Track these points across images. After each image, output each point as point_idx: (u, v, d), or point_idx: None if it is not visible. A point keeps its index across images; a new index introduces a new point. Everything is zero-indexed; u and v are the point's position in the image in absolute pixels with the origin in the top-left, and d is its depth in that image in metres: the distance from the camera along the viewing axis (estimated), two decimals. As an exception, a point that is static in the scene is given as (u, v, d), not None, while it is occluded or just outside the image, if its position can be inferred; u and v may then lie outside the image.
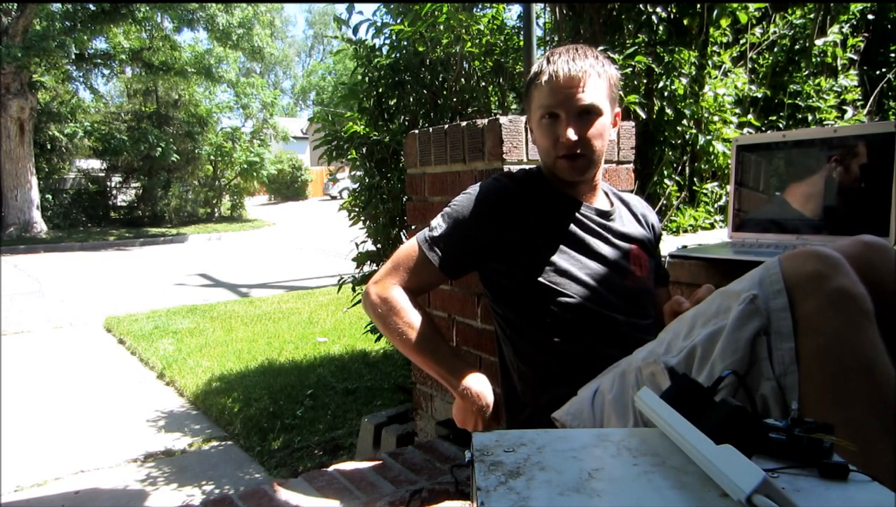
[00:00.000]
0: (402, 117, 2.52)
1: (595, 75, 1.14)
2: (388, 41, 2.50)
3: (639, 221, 1.33)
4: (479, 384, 1.17)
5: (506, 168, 1.55)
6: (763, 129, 2.55)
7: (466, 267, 1.25)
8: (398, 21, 2.42)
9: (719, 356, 0.83)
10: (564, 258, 1.18)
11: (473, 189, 1.23)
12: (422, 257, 1.21)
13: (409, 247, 1.23)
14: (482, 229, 1.19)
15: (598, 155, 1.19)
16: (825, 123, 2.59)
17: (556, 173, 1.21)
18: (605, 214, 1.26)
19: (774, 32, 2.67)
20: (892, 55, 3.05)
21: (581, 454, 0.63)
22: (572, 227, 1.21)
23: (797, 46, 2.71)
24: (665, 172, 2.31)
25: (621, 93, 2.11)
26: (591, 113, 1.15)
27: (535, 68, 1.20)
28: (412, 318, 1.18)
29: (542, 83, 1.15)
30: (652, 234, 1.35)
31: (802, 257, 0.82)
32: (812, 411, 0.74)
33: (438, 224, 1.22)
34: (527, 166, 1.55)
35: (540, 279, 1.18)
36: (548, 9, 2.59)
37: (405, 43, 2.41)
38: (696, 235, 2.15)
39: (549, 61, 1.16)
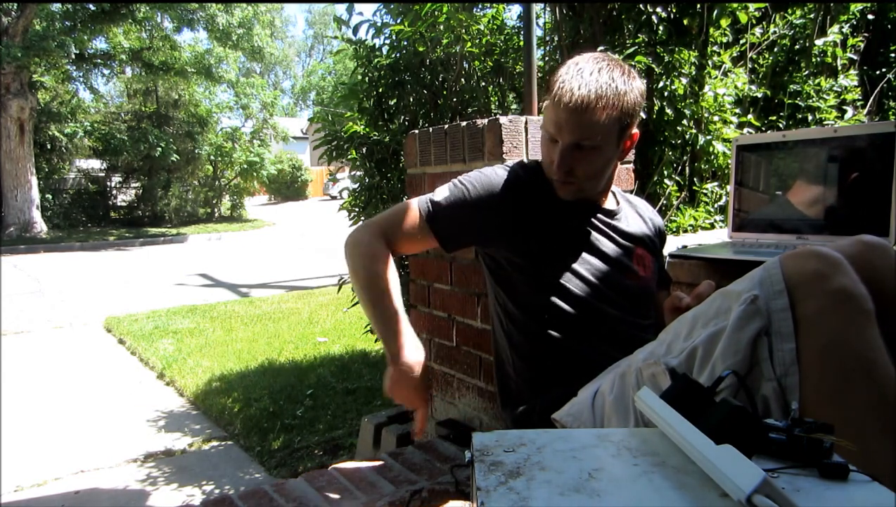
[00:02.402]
0: (402, 117, 2.52)
1: (601, 108, 1.06)
2: (388, 41, 2.50)
3: (644, 222, 1.34)
4: (413, 355, 1.14)
5: (506, 168, 1.54)
6: (763, 129, 2.55)
7: (461, 241, 1.23)
8: (398, 21, 2.42)
9: (720, 357, 0.83)
10: (568, 253, 1.18)
11: (487, 170, 1.22)
12: (420, 220, 1.19)
13: (407, 207, 1.21)
14: (486, 210, 1.18)
15: (592, 183, 1.18)
16: (825, 123, 2.59)
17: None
18: (611, 214, 1.26)
19: (774, 32, 2.67)
20: (892, 55, 3.05)
21: (581, 454, 0.63)
22: (578, 223, 1.21)
23: (797, 46, 2.72)
24: (665, 172, 2.32)
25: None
26: (588, 148, 1.11)
27: (558, 73, 1.13)
28: (381, 269, 1.15)
29: (551, 102, 1.10)
30: (657, 236, 1.35)
31: (803, 257, 0.82)
32: (813, 411, 0.74)
33: (443, 193, 1.20)
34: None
35: (542, 273, 1.18)
36: (548, 9, 2.59)
37: (405, 43, 2.41)
38: (696, 235, 2.15)
39: (562, 79, 1.09)
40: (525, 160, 1.29)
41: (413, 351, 1.14)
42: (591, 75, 1.07)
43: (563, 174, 1.13)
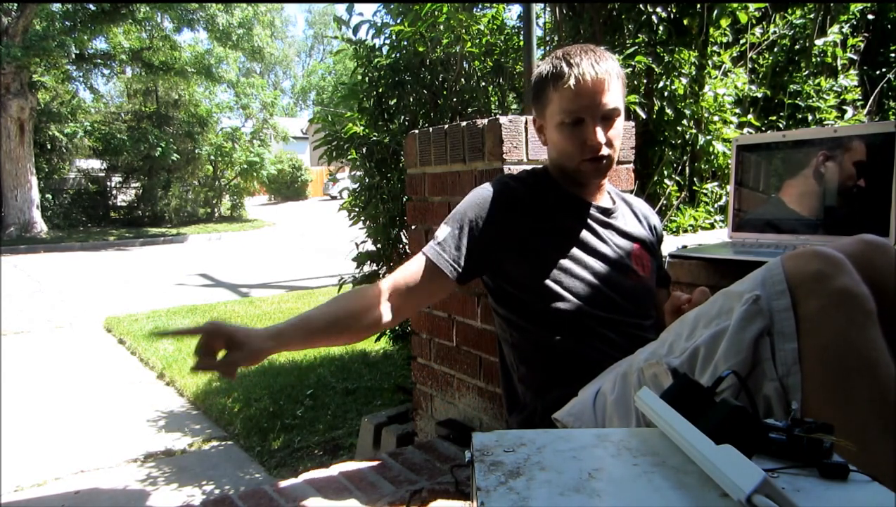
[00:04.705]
0: (402, 117, 2.53)
1: (615, 77, 1.15)
2: (388, 41, 2.50)
3: (640, 221, 1.33)
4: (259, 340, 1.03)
5: (506, 168, 1.55)
6: (763, 129, 2.55)
7: (474, 268, 1.20)
8: (398, 21, 2.42)
9: (722, 357, 0.83)
10: (567, 256, 1.18)
11: (476, 191, 1.22)
12: (428, 264, 1.17)
13: (414, 259, 1.20)
14: (487, 229, 1.18)
15: (616, 157, 1.20)
16: (825, 123, 2.59)
17: (579, 177, 1.21)
18: (608, 212, 1.26)
19: (774, 32, 2.67)
20: (892, 55, 3.05)
21: (581, 454, 0.63)
22: (576, 225, 1.21)
23: (797, 46, 2.72)
24: (665, 172, 2.32)
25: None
26: (614, 115, 1.15)
27: (549, 69, 1.17)
28: (342, 296, 1.16)
29: (568, 86, 1.13)
30: (654, 235, 1.35)
31: (805, 257, 0.82)
32: (814, 411, 0.74)
33: (443, 232, 1.19)
34: (528, 167, 1.55)
35: (542, 277, 1.17)
36: (548, 9, 2.59)
37: (405, 43, 2.41)
38: (696, 235, 2.15)
39: (569, 63, 1.13)
40: (514, 171, 1.29)
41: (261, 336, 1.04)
42: (594, 54, 1.15)
43: (601, 146, 1.15)
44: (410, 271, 1.18)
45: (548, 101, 1.18)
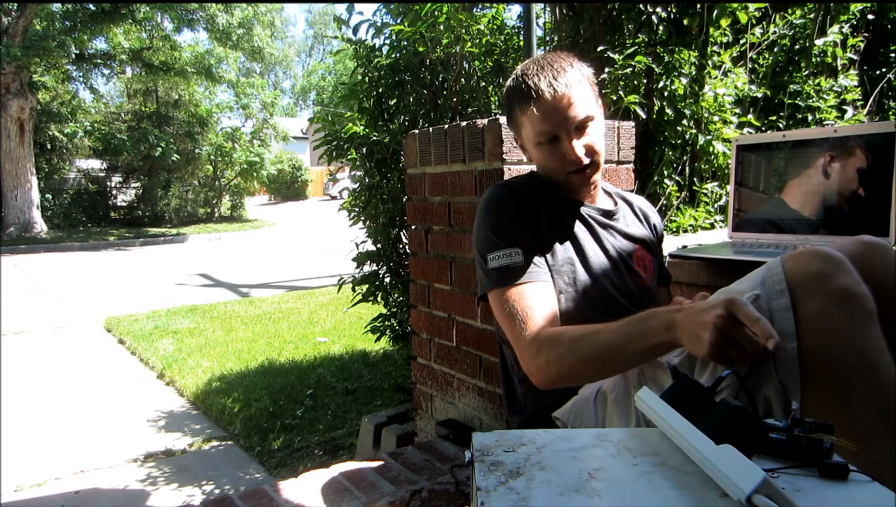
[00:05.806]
0: (402, 117, 2.53)
1: (577, 84, 1.13)
2: (388, 41, 2.50)
3: (641, 221, 1.33)
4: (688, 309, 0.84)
5: (506, 168, 1.55)
6: (763, 129, 2.55)
7: (541, 256, 1.15)
8: (398, 21, 2.42)
9: (722, 356, 0.83)
10: (568, 258, 1.18)
11: (483, 204, 1.20)
12: (515, 289, 1.10)
13: (499, 303, 1.12)
14: (516, 222, 1.17)
15: (602, 158, 1.19)
16: (825, 123, 2.59)
17: (569, 187, 1.21)
18: (609, 214, 1.25)
19: (774, 32, 2.67)
20: (892, 55, 3.05)
21: (581, 454, 0.63)
22: (577, 228, 1.21)
23: (797, 46, 2.71)
24: (665, 172, 2.31)
25: (622, 93, 2.11)
26: (587, 123, 1.14)
27: (511, 92, 1.17)
28: (580, 331, 1.00)
29: (532, 111, 1.12)
30: (654, 234, 1.35)
31: (805, 257, 0.82)
32: (814, 410, 0.74)
33: (491, 260, 1.14)
34: (527, 167, 1.56)
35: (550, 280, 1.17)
36: (548, 9, 2.59)
37: (405, 43, 2.41)
38: (696, 235, 2.15)
39: (528, 86, 1.12)
40: (512, 171, 1.26)
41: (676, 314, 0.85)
42: (552, 69, 1.13)
43: (585, 156, 1.14)
44: (516, 309, 1.09)
45: (520, 124, 1.19)
